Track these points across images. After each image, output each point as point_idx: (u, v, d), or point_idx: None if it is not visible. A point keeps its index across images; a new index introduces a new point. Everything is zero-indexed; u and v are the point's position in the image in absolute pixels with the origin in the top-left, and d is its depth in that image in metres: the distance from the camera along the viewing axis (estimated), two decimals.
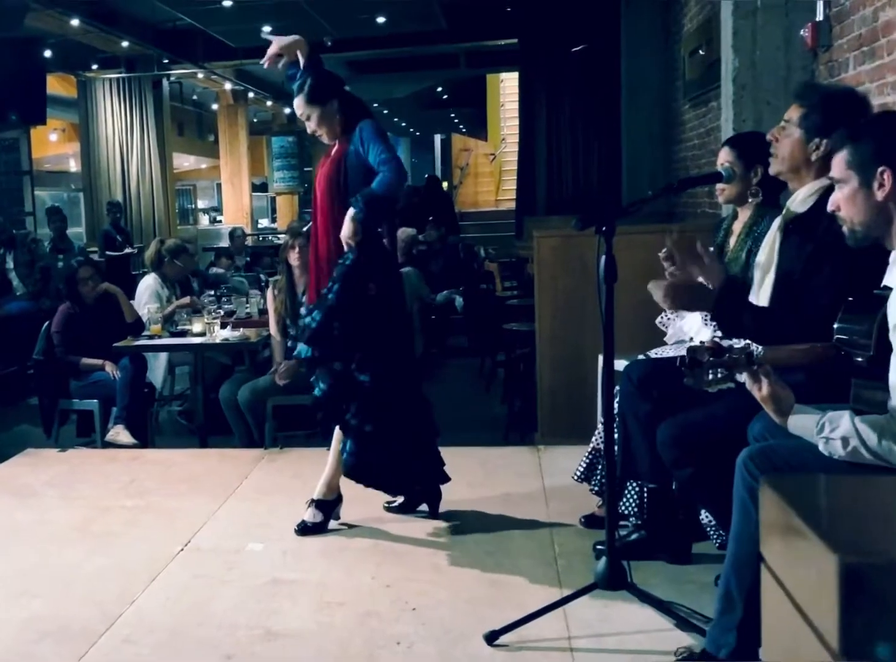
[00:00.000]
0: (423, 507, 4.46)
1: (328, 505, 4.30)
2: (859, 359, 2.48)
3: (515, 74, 13.82)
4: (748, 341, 2.60)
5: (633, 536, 3.76)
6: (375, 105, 22.04)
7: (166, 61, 14.75)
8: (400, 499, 4.51)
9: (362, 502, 4.63)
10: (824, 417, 2.40)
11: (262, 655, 3.20)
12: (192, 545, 4.19)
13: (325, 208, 4.16)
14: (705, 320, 3.76)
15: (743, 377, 2.49)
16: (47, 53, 11.97)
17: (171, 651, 3.26)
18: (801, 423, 2.44)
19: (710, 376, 2.46)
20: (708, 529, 3.73)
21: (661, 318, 4.18)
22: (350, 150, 4.08)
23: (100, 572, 3.96)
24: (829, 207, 2.53)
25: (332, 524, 4.31)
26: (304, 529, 4.25)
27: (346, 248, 4.03)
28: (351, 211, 3.96)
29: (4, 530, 4.53)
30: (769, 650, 1.91)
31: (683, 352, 3.85)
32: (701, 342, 2.52)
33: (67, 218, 11.56)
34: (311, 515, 4.27)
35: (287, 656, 3.19)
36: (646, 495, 3.91)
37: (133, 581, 3.83)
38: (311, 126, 4.19)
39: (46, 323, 6.50)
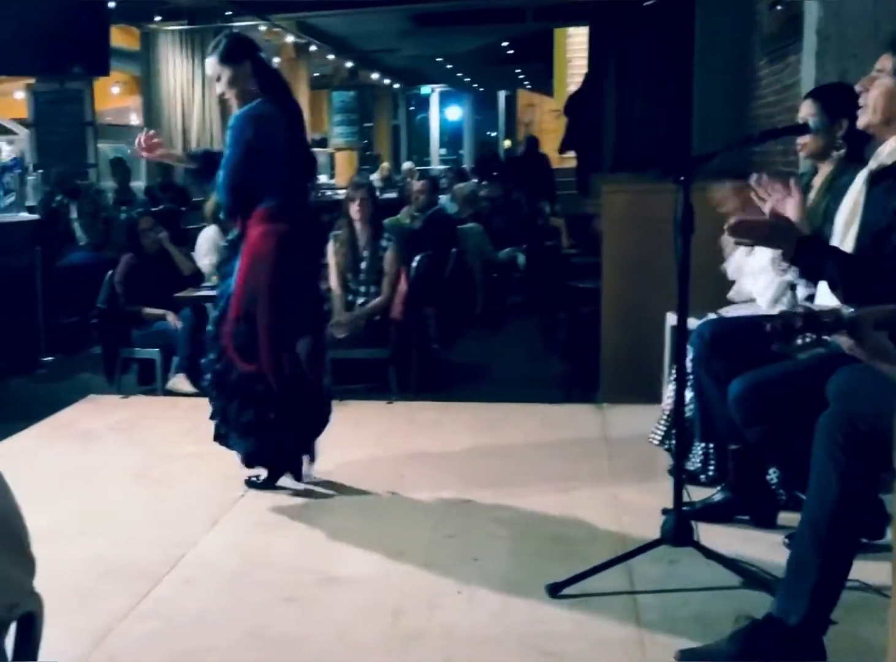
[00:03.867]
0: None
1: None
2: None
3: (584, 29, 13.53)
4: (838, 305, 2.50)
5: (717, 497, 3.69)
6: (439, 59, 21.81)
7: (229, 13, 14.70)
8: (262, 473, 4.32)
9: (421, 455, 4.63)
10: None
11: (322, 599, 3.20)
12: (253, 492, 4.20)
13: None
14: (773, 262, 3.65)
15: (840, 340, 2.39)
16: (111, 4, 11.97)
17: (233, 593, 3.27)
18: None
19: (800, 342, 2.38)
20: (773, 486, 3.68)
21: (725, 264, 4.09)
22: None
23: (162, 515, 4.00)
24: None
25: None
26: (250, 483, 4.27)
27: None
28: None
29: (68, 472, 4.58)
30: None
31: (756, 310, 3.79)
32: (792, 307, 2.43)
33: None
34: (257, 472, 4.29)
35: (348, 601, 3.18)
36: (711, 452, 3.86)
37: (195, 524, 3.85)
38: (219, 87, 4.08)
39: (109, 273, 6.54)
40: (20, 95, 13.25)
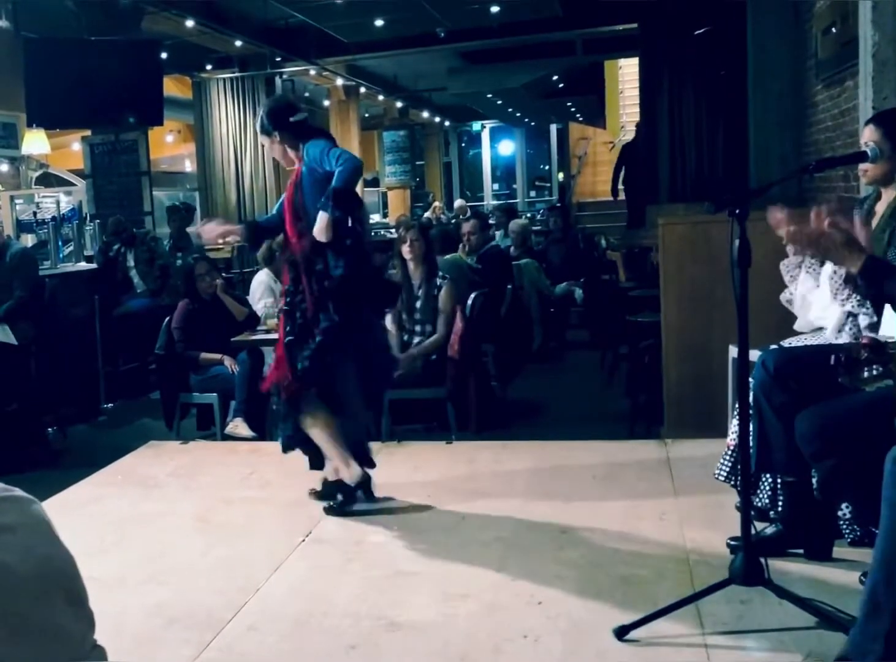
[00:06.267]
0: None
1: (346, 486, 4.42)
2: None
3: (635, 60, 13.48)
4: None
5: (769, 530, 3.60)
6: (489, 96, 21.90)
7: (279, 59, 14.90)
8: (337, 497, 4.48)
9: (482, 495, 4.58)
10: None
11: (386, 646, 3.15)
12: (314, 537, 4.17)
13: (291, 230, 4.33)
14: (835, 292, 3.56)
15: None
16: (163, 55, 12.19)
17: (296, 640, 3.24)
18: None
19: (867, 374, 2.31)
20: (842, 523, 3.57)
21: (785, 294, 4.01)
22: (303, 171, 4.26)
23: (224, 561, 3.98)
24: None
25: (449, 513, 4.25)
26: (329, 510, 4.41)
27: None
28: (322, 213, 4.08)
29: (131, 519, 4.58)
30: None
31: (822, 340, 3.71)
32: (856, 339, 2.36)
33: (185, 217, 11.73)
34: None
35: (411, 647, 3.14)
36: (780, 488, 3.76)
37: (256, 570, 3.82)
38: (270, 153, 4.50)
39: (167, 319, 6.60)
40: (77, 146, 13.48)
